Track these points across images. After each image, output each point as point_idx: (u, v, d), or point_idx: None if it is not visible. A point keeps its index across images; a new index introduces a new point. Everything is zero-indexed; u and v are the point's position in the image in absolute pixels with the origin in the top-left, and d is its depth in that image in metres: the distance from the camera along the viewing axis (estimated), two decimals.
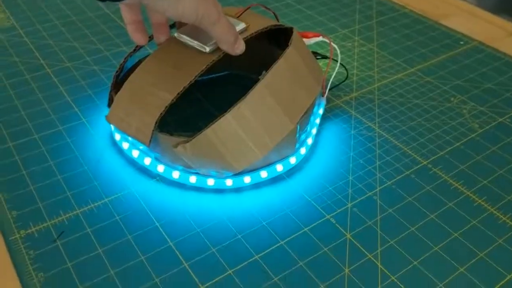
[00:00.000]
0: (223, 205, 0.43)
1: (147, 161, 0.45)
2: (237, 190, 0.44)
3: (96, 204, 0.43)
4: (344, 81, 0.58)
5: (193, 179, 0.43)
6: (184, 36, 0.45)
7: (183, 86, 0.42)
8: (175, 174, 0.43)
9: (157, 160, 0.44)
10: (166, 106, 0.41)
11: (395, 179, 0.46)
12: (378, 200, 0.44)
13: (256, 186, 0.44)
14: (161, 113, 0.41)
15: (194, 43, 0.44)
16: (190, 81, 0.42)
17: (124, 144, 0.46)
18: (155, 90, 0.42)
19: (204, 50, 0.43)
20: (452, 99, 0.56)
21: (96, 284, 0.36)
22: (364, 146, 0.49)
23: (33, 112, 0.53)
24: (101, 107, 0.53)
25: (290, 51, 0.45)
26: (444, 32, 0.69)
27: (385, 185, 0.45)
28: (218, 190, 0.44)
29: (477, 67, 0.61)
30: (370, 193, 0.44)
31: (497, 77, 0.60)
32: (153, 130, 0.41)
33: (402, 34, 0.69)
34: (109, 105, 0.47)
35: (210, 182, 0.43)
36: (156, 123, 0.41)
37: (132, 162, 0.47)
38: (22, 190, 0.44)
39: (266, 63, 0.55)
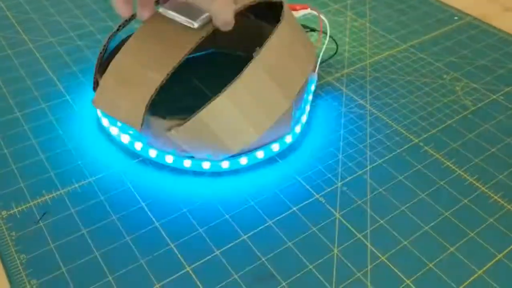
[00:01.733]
0: (213, 186, 0.42)
1: (138, 146, 0.43)
2: (230, 172, 0.43)
3: (80, 183, 0.42)
4: (333, 55, 0.56)
5: (187, 163, 0.42)
6: (170, 12, 0.43)
7: (172, 66, 0.40)
8: (169, 159, 0.42)
9: (149, 144, 0.43)
10: (157, 88, 0.40)
11: (386, 158, 0.45)
12: (368, 179, 0.43)
13: (248, 167, 0.43)
14: (151, 95, 0.40)
15: (182, 19, 0.42)
16: (180, 60, 0.41)
17: (112, 129, 0.45)
18: (143, 70, 0.41)
19: (192, 26, 0.42)
20: (445, 76, 0.55)
21: (79, 266, 0.35)
22: (355, 124, 0.48)
23: (15, 89, 0.51)
24: (86, 84, 0.52)
25: (282, 26, 0.43)
26: (438, 7, 0.68)
27: (376, 163, 0.44)
28: (213, 173, 0.43)
29: (470, 43, 0.60)
30: (360, 172, 0.43)
31: (491, 54, 0.59)
32: (144, 114, 0.40)
33: (395, 9, 0.67)
34: (95, 88, 0.46)
35: (206, 165, 0.42)
36: (147, 106, 0.40)
37: (118, 144, 0.45)
38: (3, 170, 0.42)
39: (253, 39, 0.54)
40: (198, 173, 0.43)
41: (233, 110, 0.40)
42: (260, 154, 0.43)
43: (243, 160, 0.43)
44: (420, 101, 0.51)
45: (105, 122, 0.46)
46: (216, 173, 0.43)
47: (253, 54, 0.41)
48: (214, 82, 0.48)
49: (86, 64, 0.55)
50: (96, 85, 0.46)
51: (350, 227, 0.39)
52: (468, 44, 0.60)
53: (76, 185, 0.41)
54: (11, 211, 0.39)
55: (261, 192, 0.41)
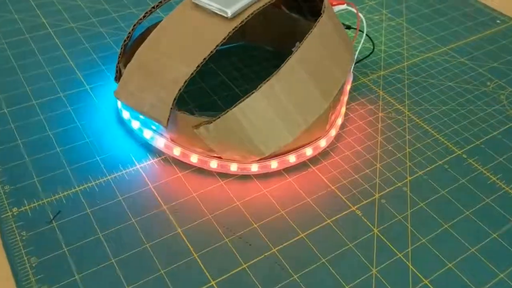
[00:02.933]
0: (239, 191, 0.39)
1: (160, 143, 0.40)
2: (258, 176, 0.40)
3: (97, 181, 0.38)
4: (369, 55, 0.53)
5: (214, 164, 0.39)
6: None
7: (203, 58, 0.37)
8: (194, 158, 0.39)
9: (173, 142, 0.40)
10: (186, 81, 0.37)
11: (427, 169, 0.41)
12: (408, 192, 0.39)
13: (278, 172, 0.40)
14: (180, 89, 0.37)
15: (214, 7, 0.39)
16: (211, 52, 0.37)
17: (134, 123, 0.42)
18: (171, 62, 0.38)
19: (225, 15, 0.39)
20: (488, 83, 0.51)
21: (94, 274, 0.32)
22: (393, 130, 0.45)
23: (32, 75, 0.48)
24: (107, 74, 0.49)
25: (323, 21, 0.40)
26: (479, 9, 0.64)
27: (416, 175, 0.41)
28: (240, 177, 0.40)
29: None
30: (399, 184, 0.40)
31: None
32: (171, 108, 0.37)
33: (434, 9, 0.63)
34: (117, 78, 0.43)
35: (233, 167, 0.39)
36: (174, 100, 0.37)
37: (139, 139, 0.42)
38: (16, 162, 0.39)
39: (284, 34, 0.51)
40: (223, 175, 0.40)
41: (268, 109, 0.37)
42: (291, 159, 0.40)
43: (274, 164, 0.39)
44: (462, 109, 0.48)
45: (126, 115, 0.43)
46: (243, 177, 0.40)
47: (293, 49, 0.38)
48: (242, 77, 0.45)
49: (107, 52, 0.52)
50: (118, 75, 0.43)
51: (389, 244, 0.36)
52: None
53: (93, 183, 0.38)
54: (23, 208, 0.36)
55: (291, 200, 0.38)
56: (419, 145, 0.44)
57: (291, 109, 0.37)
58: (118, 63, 0.42)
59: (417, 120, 0.46)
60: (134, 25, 0.43)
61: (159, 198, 0.38)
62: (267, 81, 0.36)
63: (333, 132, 0.42)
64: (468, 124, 0.46)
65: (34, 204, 0.36)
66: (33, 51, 0.51)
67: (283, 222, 0.37)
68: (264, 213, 0.37)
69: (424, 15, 0.62)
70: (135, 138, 0.42)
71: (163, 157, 0.41)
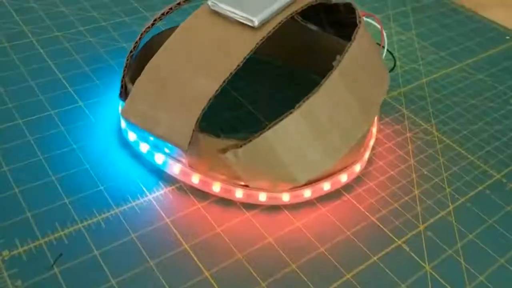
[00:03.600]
0: (268, 224, 0.34)
1: (175, 169, 0.35)
2: (288, 207, 0.35)
3: (103, 215, 0.33)
4: (391, 70, 0.50)
5: (239, 193, 0.34)
6: (222, 5, 0.35)
7: (229, 72, 0.32)
8: (216, 187, 0.34)
9: (191, 168, 0.35)
10: (211, 98, 0.32)
11: (468, 196, 0.38)
12: (454, 222, 0.36)
13: (309, 201, 0.35)
14: (204, 108, 0.32)
15: (237, 15, 0.34)
16: (238, 65, 0.33)
17: (142, 146, 0.36)
18: (192, 76, 0.32)
19: (251, 24, 0.34)
20: (511, 101, 0.49)
21: None
22: (425, 152, 0.41)
23: (14, 90, 0.42)
24: (103, 89, 0.43)
25: (361, 32, 0.36)
26: (487, 24, 0.62)
27: (459, 202, 0.37)
28: (268, 207, 0.35)
29: None
30: (443, 213, 0.36)
31: None
32: (193, 130, 0.31)
33: (441, 24, 0.61)
34: (123, 95, 0.37)
35: (262, 197, 0.34)
36: (198, 120, 0.31)
37: (148, 164, 0.37)
38: (3, 194, 0.33)
39: (297, 47, 0.47)
40: (249, 206, 0.35)
41: (306, 132, 0.32)
42: (326, 186, 0.35)
43: (307, 193, 0.35)
44: (491, 129, 0.45)
45: (132, 136, 0.37)
46: (272, 208, 0.35)
47: (333, 63, 0.34)
48: (255, 94, 0.40)
49: (101, 64, 0.46)
50: (124, 90, 0.37)
51: (445, 284, 0.31)
52: None
53: (99, 217, 0.32)
54: (15, 251, 0.30)
55: (330, 234, 0.34)
56: (455, 168, 0.40)
57: (332, 131, 0.33)
58: (123, 76, 0.37)
59: (448, 141, 0.43)
60: (142, 33, 0.37)
61: (178, 235, 0.32)
62: (307, 99, 0.32)
63: (366, 156, 0.38)
64: (500, 145, 0.43)
65: (29, 246, 0.30)
66: (14, 62, 0.45)
67: (324, 261, 0.32)
68: (302, 251, 0.32)
69: (433, 30, 0.59)
70: (143, 163, 0.37)
71: (177, 185, 0.35)
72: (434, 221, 0.36)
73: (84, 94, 0.42)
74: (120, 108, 0.39)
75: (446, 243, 0.34)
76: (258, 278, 0.30)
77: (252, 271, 0.31)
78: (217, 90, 0.32)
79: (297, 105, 0.31)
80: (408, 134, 0.43)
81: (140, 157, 0.37)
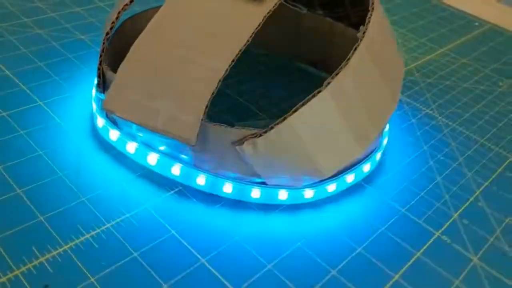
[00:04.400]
0: (298, 227, 0.29)
1: (175, 169, 0.29)
2: (310, 204, 0.30)
3: (93, 232, 0.26)
4: None
5: (256, 193, 0.28)
6: None
7: (238, 49, 0.27)
8: (227, 188, 0.28)
9: (196, 167, 0.29)
10: (219, 80, 0.26)
11: (491, 179, 0.35)
12: (485, 207, 0.33)
13: (332, 197, 0.31)
14: (213, 92, 0.26)
15: None
16: (247, 41, 0.27)
17: (129, 146, 0.30)
18: (195, 56, 0.27)
19: None
20: (500, 83, 0.47)
21: None
22: (434, 137, 0.38)
23: None
24: (63, 85, 0.36)
25: (377, 3, 0.32)
26: (454, 12, 0.61)
27: (484, 186, 0.34)
28: (288, 207, 0.29)
29: (507, 50, 0.54)
30: (471, 198, 0.33)
31: None
32: (202, 120, 0.26)
33: (411, 12, 0.59)
34: (101, 85, 0.31)
35: (282, 195, 0.29)
36: (206, 108, 0.26)
37: (138, 167, 0.30)
38: None
39: (284, 33, 0.42)
40: (266, 207, 0.29)
41: (336, 114, 0.27)
42: (350, 178, 0.31)
43: (331, 187, 0.30)
44: (490, 111, 0.43)
45: (113, 135, 0.30)
46: (291, 207, 0.30)
47: (357, 35, 0.29)
48: (240, 85, 0.35)
49: (56, 59, 0.39)
50: (102, 80, 0.30)
51: (499, 276, 0.28)
52: (505, 51, 0.53)
53: (88, 236, 0.26)
54: None
55: (363, 231, 0.29)
56: (469, 152, 0.37)
57: (362, 112, 0.29)
58: (100, 63, 0.30)
59: (454, 125, 0.40)
60: (119, 12, 0.31)
61: (192, 249, 0.26)
62: (335, 75, 0.27)
63: (385, 142, 0.34)
64: (504, 126, 0.41)
65: (1, 279, 0.23)
66: None
67: (366, 263, 0.27)
68: (338, 254, 0.27)
69: (405, 18, 0.58)
70: (131, 166, 0.30)
71: (177, 189, 0.29)
72: (465, 207, 0.32)
73: (41, 92, 0.35)
74: (94, 104, 0.32)
75: (484, 230, 0.31)
76: (289, 283, 0.25)
77: (288, 282, 0.25)
78: (226, 71, 0.27)
79: (325, 82, 0.27)
80: (413, 120, 0.40)
81: (126, 159, 0.31)
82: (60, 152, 0.30)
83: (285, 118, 0.26)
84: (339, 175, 0.30)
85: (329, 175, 0.29)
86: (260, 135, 0.26)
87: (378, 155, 0.33)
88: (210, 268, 0.25)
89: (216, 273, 0.25)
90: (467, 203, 0.33)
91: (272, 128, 0.26)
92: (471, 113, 0.42)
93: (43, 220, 0.26)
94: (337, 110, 0.27)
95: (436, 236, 0.30)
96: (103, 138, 0.31)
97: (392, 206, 0.31)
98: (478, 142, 0.39)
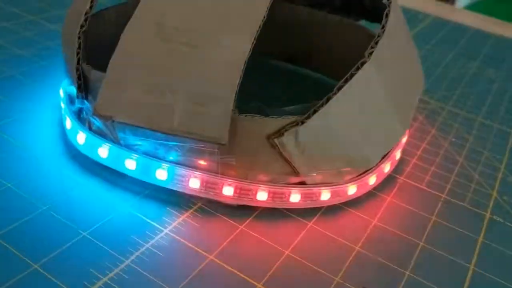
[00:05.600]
0: (347, 230, 0.24)
1: (193, 182, 0.23)
2: (350, 203, 0.26)
3: (111, 274, 0.20)
4: None
5: (295, 197, 0.24)
6: None
7: (258, 24, 0.23)
8: (262, 195, 0.23)
9: (222, 176, 0.23)
10: (245, 62, 0.21)
11: (508, 153, 0.33)
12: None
13: (366, 193, 0.27)
14: (240, 76, 0.21)
15: None
16: (264, 17, 0.23)
17: (129, 163, 0.24)
18: (209, 38, 0.22)
19: None
20: (470, 64, 0.47)
21: None
22: (436, 120, 0.36)
23: None
24: (14, 105, 0.29)
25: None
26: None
27: (505, 162, 0.32)
28: (327, 209, 0.25)
29: (460, 38, 0.54)
30: (500, 175, 0.31)
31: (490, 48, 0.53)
32: (232, 113, 0.21)
33: None
34: (82, 88, 0.24)
35: (325, 195, 0.24)
36: (235, 97, 0.21)
37: (137, 186, 0.24)
38: None
39: (301, 39, 0.38)
40: (305, 212, 0.25)
41: (380, 90, 0.24)
42: (386, 168, 0.27)
43: (372, 179, 0.26)
44: (475, 90, 0.42)
45: (103, 152, 0.24)
46: (330, 209, 0.25)
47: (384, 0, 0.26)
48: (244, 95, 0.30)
49: None
50: (83, 82, 0.24)
51: None
52: (456, 39, 0.54)
53: (105, 279, 0.19)
54: None
55: (416, 225, 0.25)
56: (474, 131, 0.36)
57: (400, 88, 0.25)
58: (77, 63, 0.24)
59: (449, 108, 0.38)
60: (92, 0, 0.25)
61: (240, 274, 0.21)
62: (375, 45, 0.23)
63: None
64: (496, 102, 0.40)
65: None
66: None
67: (435, 257, 0.23)
68: (403, 253, 0.23)
69: None
70: (131, 187, 0.24)
71: (196, 207, 0.24)
72: (499, 184, 0.30)
73: None
74: (64, 116, 0.26)
75: None
76: None
77: None
78: (250, 51, 0.22)
79: (367, 53, 0.23)
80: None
81: (123, 177, 0.24)
82: (33, 181, 0.23)
83: (328, 98, 0.22)
84: (377, 165, 0.26)
85: (375, 163, 0.25)
86: (302, 123, 0.22)
87: (404, 139, 0.30)
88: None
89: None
90: (498, 180, 0.30)
91: (315, 111, 0.22)
92: (459, 92, 0.41)
93: (38, 268, 0.19)
94: (381, 84, 0.24)
95: (488, 217, 0.27)
96: (84, 156, 0.25)
97: (431, 194, 0.28)
98: (478, 119, 0.37)
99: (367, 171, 0.26)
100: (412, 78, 0.27)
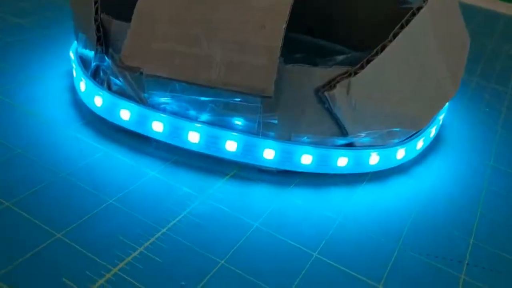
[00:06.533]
0: (396, 195, 0.22)
1: (229, 145, 0.21)
2: (397, 169, 0.23)
3: (152, 240, 0.17)
4: None
5: (342, 160, 0.21)
6: None
7: None
8: (307, 159, 0.21)
9: (259, 136, 0.21)
10: (291, 5, 0.19)
11: None
12: None
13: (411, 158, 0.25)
14: (286, 21, 0.19)
15: None
16: None
17: (155, 125, 0.21)
18: None
19: None
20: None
21: None
22: (467, 93, 0.34)
23: None
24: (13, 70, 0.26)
25: None
26: None
27: None
28: (374, 176, 0.23)
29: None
30: None
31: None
32: (279, 61, 0.18)
33: None
34: (104, 40, 0.22)
35: (374, 159, 0.22)
36: (282, 43, 0.19)
37: (171, 150, 0.22)
38: None
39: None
40: (352, 178, 0.22)
41: (433, 40, 0.22)
42: (433, 132, 0.25)
43: (419, 143, 0.24)
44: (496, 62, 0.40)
45: (125, 115, 0.22)
46: (378, 174, 0.23)
47: None
48: None
49: None
50: (103, 34, 0.21)
51: None
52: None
53: (140, 250, 0.17)
54: None
55: (474, 184, 0.23)
56: (506, 103, 0.34)
57: (451, 43, 0.23)
58: (96, 13, 0.21)
59: (476, 79, 0.36)
60: None
61: (292, 242, 0.18)
62: None
63: None
64: None
65: None
66: None
67: (494, 223, 0.21)
68: (453, 219, 0.21)
69: None
70: (154, 152, 0.21)
71: (232, 173, 0.21)
72: None
73: None
74: (78, 79, 0.23)
75: None
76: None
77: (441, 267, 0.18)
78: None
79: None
80: None
81: (148, 143, 0.22)
82: (45, 145, 0.21)
83: (384, 46, 0.20)
84: (424, 129, 0.24)
85: (425, 124, 0.23)
86: (355, 73, 0.20)
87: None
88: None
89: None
90: None
91: (368, 61, 0.20)
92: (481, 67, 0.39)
93: (61, 237, 0.16)
94: (436, 34, 0.22)
95: None
96: (116, 118, 0.22)
97: (476, 159, 0.26)
98: (508, 92, 0.35)
99: (415, 134, 0.23)
100: (461, 36, 0.25)
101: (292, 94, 0.20)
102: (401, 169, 0.24)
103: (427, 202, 0.22)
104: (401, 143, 0.23)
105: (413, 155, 0.24)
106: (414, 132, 0.23)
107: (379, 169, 0.23)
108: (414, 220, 0.21)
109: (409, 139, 0.23)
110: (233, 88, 0.19)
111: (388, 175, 0.23)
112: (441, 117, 0.26)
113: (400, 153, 0.23)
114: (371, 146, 0.22)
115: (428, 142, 0.25)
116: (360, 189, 0.22)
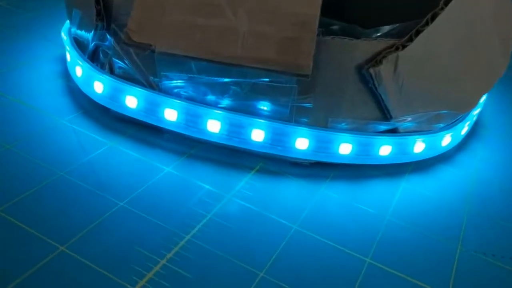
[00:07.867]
0: (446, 186, 0.19)
1: (256, 135, 0.18)
2: (440, 157, 0.21)
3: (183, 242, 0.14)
4: None
5: (385, 149, 0.19)
6: None
7: None
8: (345, 148, 0.18)
9: (290, 123, 0.18)
10: None
11: None
12: None
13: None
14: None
15: None
16: None
17: (169, 112, 0.18)
18: None
19: None
20: None
21: None
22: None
23: None
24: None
25: None
26: None
27: None
28: (419, 164, 0.20)
29: None
30: None
31: None
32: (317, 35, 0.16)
33: None
34: (102, 16, 0.18)
35: (419, 147, 0.19)
36: (319, 14, 0.16)
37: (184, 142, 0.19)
38: None
39: None
40: (392, 168, 0.19)
41: (487, 8, 0.19)
42: (475, 116, 0.22)
43: (464, 129, 0.21)
44: None
45: (131, 102, 0.18)
46: (420, 164, 0.20)
47: None
48: None
49: None
50: (99, 6, 0.18)
51: None
52: None
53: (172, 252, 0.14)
54: None
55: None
56: None
57: (501, 15, 0.20)
58: None
59: None
60: None
61: (337, 246, 0.15)
62: None
63: None
64: None
65: None
66: None
67: None
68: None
69: None
70: (167, 144, 0.18)
71: (257, 167, 0.18)
72: None
73: None
74: (72, 62, 0.20)
75: None
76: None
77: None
78: None
79: None
80: None
81: (158, 134, 0.19)
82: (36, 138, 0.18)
83: (434, 15, 0.17)
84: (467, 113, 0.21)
85: (475, 105, 0.20)
86: (403, 47, 0.17)
87: None
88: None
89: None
90: None
91: (418, 32, 0.17)
92: None
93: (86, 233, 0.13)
94: (489, 2, 0.19)
95: None
96: (108, 110, 0.19)
97: None
98: None
99: (459, 118, 0.21)
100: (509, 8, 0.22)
101: (330, 72, 0.17)
102: (443, 157, 0.21)
103: (481, 193, 0.19)
104: (446, 128, 0.20)
105: (457, 141, 0.21)
106: (461, 115, 0.20)
107: (422, 158, 0.20)
108: (470, 214, 0.18)
109: (454, 123, 0.20)
110: (263, 66, 0.16)
111: (431, 164, 0.20)
112: (482, 99, 0.23)
113: (446, 140, 0.20)
114: (415, 132, 0.19)
115: (470, 127, 0.22)
116: (405, 181, 0.19)
